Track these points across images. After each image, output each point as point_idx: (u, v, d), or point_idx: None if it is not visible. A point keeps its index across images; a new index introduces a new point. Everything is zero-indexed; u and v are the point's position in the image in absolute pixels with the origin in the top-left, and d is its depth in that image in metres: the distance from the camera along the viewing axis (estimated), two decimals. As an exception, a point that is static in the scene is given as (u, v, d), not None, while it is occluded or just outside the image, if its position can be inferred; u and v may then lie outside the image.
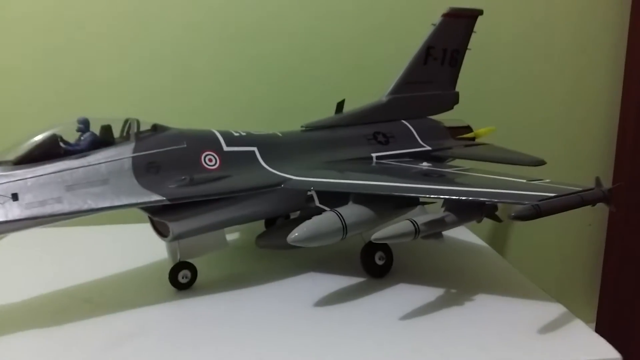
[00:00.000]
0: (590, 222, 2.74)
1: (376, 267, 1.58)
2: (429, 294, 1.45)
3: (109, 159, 1.34)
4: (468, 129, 2.07)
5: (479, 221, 1.44)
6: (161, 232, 1.51)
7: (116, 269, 1.66)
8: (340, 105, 1.87)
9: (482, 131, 2.05)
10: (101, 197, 1.29)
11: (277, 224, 1.80)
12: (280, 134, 1.69)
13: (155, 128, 1.46)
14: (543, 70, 2.51)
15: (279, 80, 2.30)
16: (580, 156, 2.59)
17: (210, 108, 2.26)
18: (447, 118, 2.06)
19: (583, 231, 2.72)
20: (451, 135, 2.00)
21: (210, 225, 1.49)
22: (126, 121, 1.43)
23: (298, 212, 1.74)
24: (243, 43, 2.26)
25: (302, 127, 1.77)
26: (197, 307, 1.43)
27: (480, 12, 2.02)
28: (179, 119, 1.61)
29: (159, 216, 1.42)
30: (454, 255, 1.76)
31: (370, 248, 1.58)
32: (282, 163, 1.57)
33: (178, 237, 1.46)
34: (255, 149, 1.57)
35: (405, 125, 1.91)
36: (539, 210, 1.13)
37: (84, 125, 1.35)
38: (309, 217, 1.49)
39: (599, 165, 2.61)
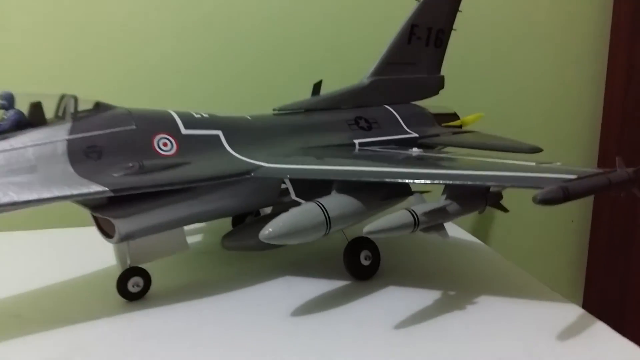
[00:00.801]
0: (572, 218, 2.61)
1: (362, 268, 1.36)
2: (424, 297, 1.24)
3: (38, 142, 1.09)
4: (454, 116, 1.89)
5: (482, 211, 1.24)
6: (107, 232, 1.26)
7: (53, 278, 1.40)
8: (317, 87, 1.66)
9: (470, 118, 1.87)
10: (27, 188, 1.04)
11: (246, 222, 1.57)
12: (249, 117, 1.46)
13: (98, 106, 1.21)
14: (528, 53, 2.37)
15: (251, 63, 2.08)
16: (564, 143, 2.46)
17: (180, 93, 2.02)
18: (432, 105, 1.87)
19: (566, 228, 2.59)
20: (437, 122, 1.81)
21: (165, 223, 1.25)
22: (62, 98, 1.18)
23: (270, 209, 1.53)
24: (215, 27, 2.04)
25: (274, 110, 1.55)
26: (150, 321, 1.18)
27: (465, -10, 1.84)
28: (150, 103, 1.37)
29: (102, 212, 1.17)
30: (446, 253, 1.57)
31: (355, 246, 1.37)
32: (252, 149, 1.34)
33: (126, 238, 1.21)
34: (219, 132, 1.34)
35: (389, 110, 1.71)
36: (567, 193, 0.94)
37: (7, 102, 1.10)
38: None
39: (583, 151, 2.50)
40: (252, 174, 1.25)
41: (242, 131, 1.39)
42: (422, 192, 1.25)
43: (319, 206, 1.14)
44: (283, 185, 1.34)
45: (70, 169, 1.10)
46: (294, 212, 1.12)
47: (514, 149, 1.63)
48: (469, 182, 1.10)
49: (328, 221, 1.13)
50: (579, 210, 2.56)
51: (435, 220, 1.11)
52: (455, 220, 1.21)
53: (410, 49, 1.78)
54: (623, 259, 2.38)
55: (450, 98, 1.91)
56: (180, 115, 1.30)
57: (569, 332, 1.07)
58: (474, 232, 1.85)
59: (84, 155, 1.12)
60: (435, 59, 1.87)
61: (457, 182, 1.11)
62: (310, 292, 1.29)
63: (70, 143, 1.12)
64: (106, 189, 1.09)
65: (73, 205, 1.22)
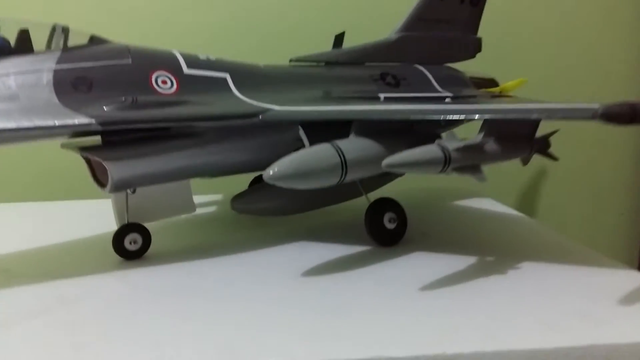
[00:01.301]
0: (622, 211, 2.37)
1: (386, 231, 1.20)
2: (458, 262, 1.07)
3: (21, 70, 0.98)
4: (493, 82, 1.71)
5: (526, 162, 1.07)
6: (102, 182, 1.14)
7: (50, 241, 1.28)
8: (339, 39, 1.51)
9: (511, 84, 1.69)
10: (5, 116, 0.93)
11: (259, 185, 1.42)
12: (261, 65, 1.33)
13: (93, 40, 1.10)
14: (568, 16, 2.16)
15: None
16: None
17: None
18: (468, 70, 1.70)
19: (617, 221, 2.34)
20: (474, 86, 1.64)
21: (165, 172, 1.13)
22: (53, 28, 1.07)
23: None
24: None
25: (290, 60, 1.41)
26: (145, 278, 1.05)
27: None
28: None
29: (95, 153, 1.05)
30: (480, 221, 1.39)
31: (378, 208, 1.21)
32: (262, 95, 1.21)
33: (121, 186, 1.09)
34: (227, 75, 1.21)
35: (420, 69, 1.55)
36: (635, 110, 0.76)
37: (-8, 28, 1.00)
38: None
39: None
40: (261, 117, 1.12)
41: (252, 76, 1.26)
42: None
43: (334, 147, 0.99)
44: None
45: (55, 100, 0.99)
46: (304, 151, 0.98)
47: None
48: (510, 116, 0.93)
49: (344, 164, 0.98)
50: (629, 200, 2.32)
51: (470, 160, 0.94)
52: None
53: (443, 5, 1.62)
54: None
55: (489, 63, 1.74)
56: (184, 55, 1.18)
57: (629, 297, 0.89)
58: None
59: (71, 87, 1.01)
60: (471, 18, 1.70)
61: (497, 116, 0.94)
62: (327, 256, 1.14)
63: (56, 73, 1.01)
64: (93, 120, 0.98)
65: (78, 176, 1.11)
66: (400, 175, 1.29)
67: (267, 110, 1.13)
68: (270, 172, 0.93)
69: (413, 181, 1.46)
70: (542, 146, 1.05)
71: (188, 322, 0.85)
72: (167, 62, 1.15)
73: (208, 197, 1.69)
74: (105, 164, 1.05)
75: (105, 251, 1.15)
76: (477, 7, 1.70)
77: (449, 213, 1.19)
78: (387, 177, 1.17)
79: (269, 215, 1.40)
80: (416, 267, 1.07)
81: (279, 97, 1.20)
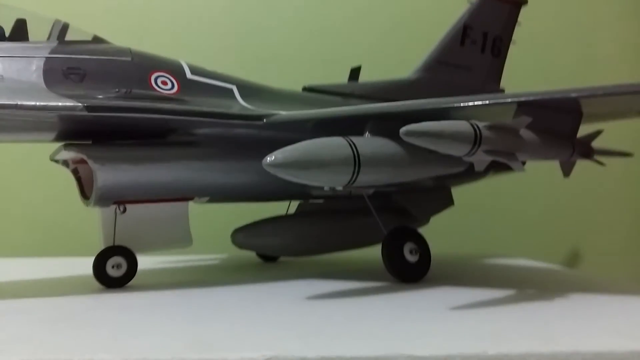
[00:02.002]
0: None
1: (407, 265, 1.04)
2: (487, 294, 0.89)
3: (10, 54, 0.92)
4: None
5: (568, 172, 0.92)
6: (86, 191, 1.03)
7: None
8: (355, 72, 1.45)
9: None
10: None
11: (263, 219, 1.29)
12: (273, 87, 1.25)
13: (95, 39, 1.05)
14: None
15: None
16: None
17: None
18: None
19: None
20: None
21: (159, 185, 1.01)
22: (54, 23, 1.02)
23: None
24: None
25: (304, 88, 1.33)
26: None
27: (524, 1, 1.68)
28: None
29: (83, 151, 0.95)
30: (522, 274, 1.21)
31: (396, 236, 1.06)
32: (269, 105, 1.12)
33: (107, 195, 0.97)
34: (234, 87, 1.13)
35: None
36: None
37: (-13, 14, 0.96)
38: (311, 213, 1.20)
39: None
40: (265, 120, 1.02)
41: (261, 92, 1.18)
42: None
43: (347, 140, 0.87)
44: None
45: (43, 85, 0.92)
46: (313, 140, 0.86)
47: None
48: (547, 97, 0.81)
49: (356, 158, 0.86)
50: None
51: (504, 144, 0.80)
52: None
53: (464, 51, 1.58)
54: None
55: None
56: (190, 64, 1.12)
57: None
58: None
59: (62, 75, 0.94)
60: (492, 68, 1.65)
61: (532, 98, 0.82)
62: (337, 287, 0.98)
63: (48, 60, 0.95)
64: (79, 104, 0.88)
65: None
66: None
67: (272, 114, 1.04)
68: (269, 158, 0.81)
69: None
70: (586, 150, 0.91)
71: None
72: (170, 66, 1.08)
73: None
74: (93, 166, 0.94)
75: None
76: (498, 57, 1.66)
77: (486, 271, 1.02)
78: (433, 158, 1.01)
79: (271, 253, 1.25)
80: (443, 293, 0.89)
81: (287, 109, 1.11)
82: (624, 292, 0.92)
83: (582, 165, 0.98)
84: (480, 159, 0.82)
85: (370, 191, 1.15)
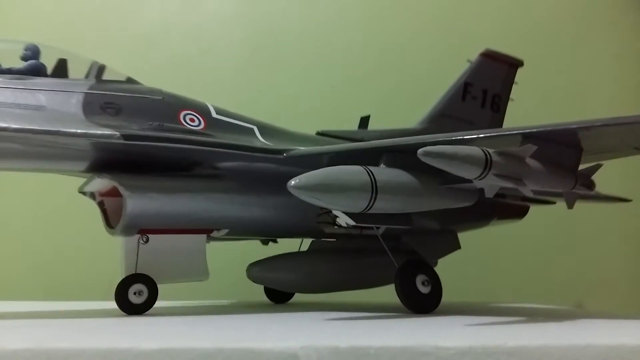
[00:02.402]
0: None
1: (420, 296, 1.07)
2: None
3: (52, 88, 1.01)
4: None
5: (571, 204, 0.98)
6: (113, 225, 1.08)
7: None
8: (364, 121, 1.54)
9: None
10: (27, 119, 0.93)
11: (279, 254, 1.33)
12: (289, 129, 1.34)
13: (129, 80, 1.14)
14: None
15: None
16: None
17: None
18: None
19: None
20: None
21: (184, 215, 1.07)
22: (92, 63, 1.12)
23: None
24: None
25: (317, 132, 1.42)
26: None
27: (520, 63, 1.81)
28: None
29: (115, 176, 1.01)
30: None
31: (408, 268, 1.10)
32: (287, 144, 1.19)
33: (135, 222, 1.02)
34: (255, 127, 1.21)
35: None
36: None
37: (32, 53, 1.05)
38: (325, 251, 1.24)
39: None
40: (285, 154, 1.09)
41: (279, 133, 1.26)
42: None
43: (365, 168, 0.94)
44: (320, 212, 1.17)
45: (82, 116, 1.00)
46: (334, 167, 0.92)
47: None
48: (550, 129, 0.88)
49: (374, 186, 0.92)
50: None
51: (511, 169, 0.87)
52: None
53: (466, 106, 1.68)
54: None
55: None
56: (214, 105, 1.20)
57: None
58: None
59: (99, 109, 1.03)
60: (493, 122, 1.74)
61: (536, 130, 0.89)
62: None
63: (87, 95, 1.04)
64: (116, 133, 0.96)
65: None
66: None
67: (291, 150, 1.11)
68: (293, 181, 0.87)
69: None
70: (587, 182, 0.98)
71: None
72: (197, 106, 1.17)
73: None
74: (123, 192, 0.99)
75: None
76: (498, 112, 1.76)
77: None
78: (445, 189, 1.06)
79: (285, 288, 1.29)
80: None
81: (304, 146, 1.18)
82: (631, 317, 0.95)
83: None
84: (491, 183, 0.88)
85: (381, 230, 1.19)
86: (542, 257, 2.06)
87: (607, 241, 2.12)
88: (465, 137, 0.98)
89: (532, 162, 0.91)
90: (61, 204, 1.77)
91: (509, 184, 0.89)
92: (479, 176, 0.86)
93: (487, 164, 0.85)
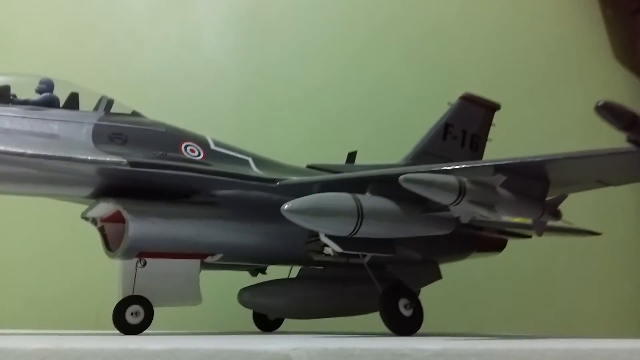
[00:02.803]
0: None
1: (402, 318, 1.15)
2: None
3: (65, 119, 1.10)
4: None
5: (540, 232, 1.07)
6: (110, 246, 1.15)
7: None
8: (352, 156, 1.63)
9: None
10: (41, 146, 1.01)
11: (270, 280, 1.40)
12: (282, 162, 1.43)
13: (134, 112, 1.23)
14: None
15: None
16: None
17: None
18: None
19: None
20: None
21: (183, 240, 1.14)
22: (101, 97, 1.21)
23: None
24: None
25: (307, 165, 1.51)
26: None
27: (497, 106, 1.93)
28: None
29: (120, 201, 1.09)
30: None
31: (391, 294, 1.18)
32: (280, 175, 1.28)
33: (136, 245, 1.09)
34: (250, 159, 1.30)
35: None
36: (635, 119, 0.81)
37: (46, 86, 1.14)
38: (313, 278, 1.33)
39: None
40: (278, 183, 1.17)
41: (273, 165, 1.35)
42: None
43: (352, 195, 1.03)
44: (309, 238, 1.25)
45: (92, 145, 1.09)
46: (325, 194, 1.01)
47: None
48: (518, 161, 0.98)
49: (360, 211, 1.00)
50: None
51: (484, 196, 0.96)
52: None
53: (446, 145, 1.79)
54: None
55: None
56: (213, 138, 1.29)
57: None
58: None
59: (107, 138, 1.11)
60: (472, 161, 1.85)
61: (506, 162, 0.99)
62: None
63: (96, 126, 1.12)
64: (124, 160, 1.04)
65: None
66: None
67: (283, 179, 1.20)
68: (287, 205, 0.95)
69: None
70: (553, 211, 1.07)
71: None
72: (197, 138, 1.26)
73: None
74: (125, 214, 1.07)
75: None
76: (477, 152, 1.87)
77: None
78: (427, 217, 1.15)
79: (275, 312, 1.35)
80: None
81: (295, 177, 1.27)
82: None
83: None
84: (465, 209, 0.97)
85: (367, 259, 1.27)
86: (524, 289, 2.15)
87: (581, 274, 2.22)
88: (442, 168, 1.08)
89: (502, 191, 1.00)
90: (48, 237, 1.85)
91: (481, 211, 0.98)
92: (454, 202, 0.95)
93: (461, 191, 0.94)
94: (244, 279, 1.47)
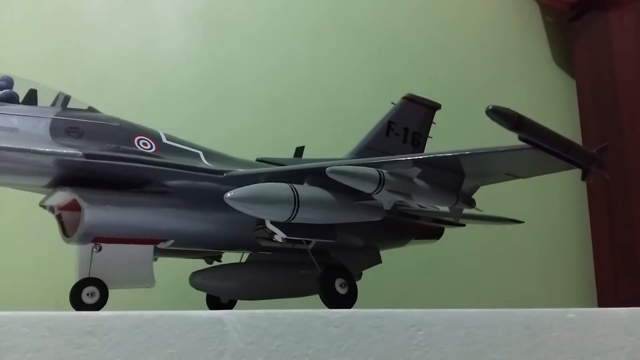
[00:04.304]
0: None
1: (338, 296, 1.27)
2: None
3: (24, 114, 1.17)
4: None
5: (457, 218, 1.22)
6: (67, 232, 1.24)
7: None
8: (299, 150, 1.75)
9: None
10: (2, 139, 1.10)
11: (221, 264, 1.51)
12: (232, 155, 1.53)
13: (90, 108, 1.32)
14: None
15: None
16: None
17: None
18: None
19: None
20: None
21: (135, 227, 1.23)
22: (59, 94, 1.29)
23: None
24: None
25: (257, 158, 1.62)
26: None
27: (438, 106, 2.07)
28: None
29: (76, 190, 1.17)
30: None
31: (328, 274, 1.30)
32: (229, 167, 1.38)
33: (91, 231, 1.18)
34: (200, 152, 1.40)
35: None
36: (521, 121, 0.95)
37: (6, 83, 1.22)
38: (262, 263, 1.42)
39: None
40: (225, 174, 1.28)
41: (223, 158, 1.45)
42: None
43: (290, 185, 1.14)
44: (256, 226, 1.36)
45: (49, 138, 1.16)
46: (265, 184, 1.12)
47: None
48: (434, 155, 1.12)
49: (296, 199, 1.12)
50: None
51: (402, 187, 1.10)
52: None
53: (389, 141, 1.91)
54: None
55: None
56: (165, 132, 1.39)
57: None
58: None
59: (64, 132, 1.19)
60: (413, 155, 1.98)
61: (424, 156, 1.13)
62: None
63: (54, 120, 1.20)
64: (79, 152, 1.13)
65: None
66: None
67: (230, 171, 1.30)
68: (229, 193, 1.06)
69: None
70: (467, 200, 1.22)
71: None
72: (150, 133, 1.35)
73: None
74: (82, 204, 1.15)
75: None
76: (418, 147, 2.01)
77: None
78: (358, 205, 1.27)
79: (225, 294, 1.45)
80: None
81: (242, 169, 1.38)
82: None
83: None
84: (386, 198, 1.11)
85: (312, 245, 1.38)
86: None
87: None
88: (368, 161, 1.21)
89: (419, 182, 1.14)
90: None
91: (400, 198, 1.11)
92: (375, 190, 1.08)
93: (380, 181, 1.08)
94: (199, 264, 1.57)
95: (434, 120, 2.07)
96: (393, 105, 1.98)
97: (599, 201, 2.48)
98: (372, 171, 1.08)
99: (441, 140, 2.06)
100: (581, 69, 2.70)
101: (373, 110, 2.03)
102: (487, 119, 2.59)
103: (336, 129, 2.35)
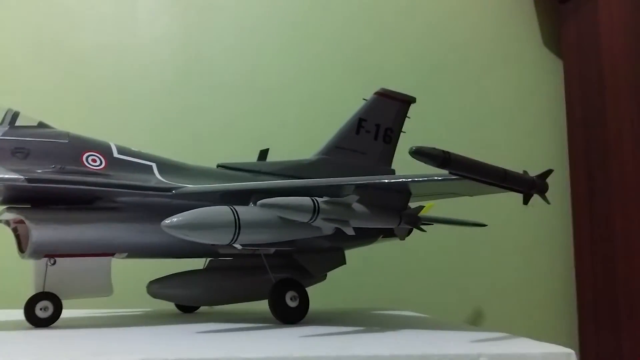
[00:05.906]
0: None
1: (289, 310, 1.29)
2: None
3: None
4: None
5: (402, 236, 1.22)
6: (22, 247, 1.26)
7: None
8: (263, 153, 1.75)
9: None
10: None
11: (177, 273, 1.53)
12: (191, 165, 1.53)
13: (40, 124, 1.32)
14: None
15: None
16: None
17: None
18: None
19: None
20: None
21: (84, 242, 1.25)
22: (7, 111, 1.29)
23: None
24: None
25: (218, 165, 1.62)
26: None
27: (412, 100, 2.04)
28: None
29: (21, 212, 1.19)
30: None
31: (280, 287, 1.32)
32: (182, 180, 1.39)
33: (40, 249, 1.20)
34: (153, 164, 1.40)
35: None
36: (447, 157, 0.93)
37: (-57, 103, 1.22)
38: (221, 269, 1.41)
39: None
40: (174, 191, 1.28)
41: (177, 169, 1.44)
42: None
43: (231, 208, 1.15)
44: None
45: None
46: (204, 208, 1.13)
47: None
48: (375, 181, 1.12)
49: (237, 223, 1.13)
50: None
51: (338, 215, 1.10)
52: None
53: (359, 139, 1.89)
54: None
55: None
56: (118, 145, 1.39)
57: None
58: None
59: (10, 154, 1.20)
60: (384, 153, 1.96)
61: (364, 182, 1.13)
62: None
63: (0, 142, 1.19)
64: (21, 177, 1.14)
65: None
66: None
67: (181, 187, 1.31)
68: (167, 220, 1.07)
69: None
70: (412, 219, 1.22)
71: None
72: (100, 147, 1.35)
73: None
74: (28, 225, 1.17)
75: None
76: (390, 144, 1.99)
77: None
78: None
79: (182, 302, 1.48)
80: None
81: (197, 183, 1.38)
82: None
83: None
84: (322, 225, 1.11)
85: (271, 251, 1.39)
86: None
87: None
88: (306, 185, 1.20)
89: (358, 207, 1.14)
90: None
91: (337, 225, 1.12)
92: (310, 220, 1.08)
93: (315, 211, 1.08)
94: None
95: (408, 115, 2.04)
96: (365, 101, 1.95)
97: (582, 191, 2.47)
98: (306, 201, 1.09)
99: (424, 130, 2.04)
100: (569, 49, 2.65)
101: (341, 107, 2.00)
102: (480, 100, 2.56)
103: (301, 127, 2.33)
